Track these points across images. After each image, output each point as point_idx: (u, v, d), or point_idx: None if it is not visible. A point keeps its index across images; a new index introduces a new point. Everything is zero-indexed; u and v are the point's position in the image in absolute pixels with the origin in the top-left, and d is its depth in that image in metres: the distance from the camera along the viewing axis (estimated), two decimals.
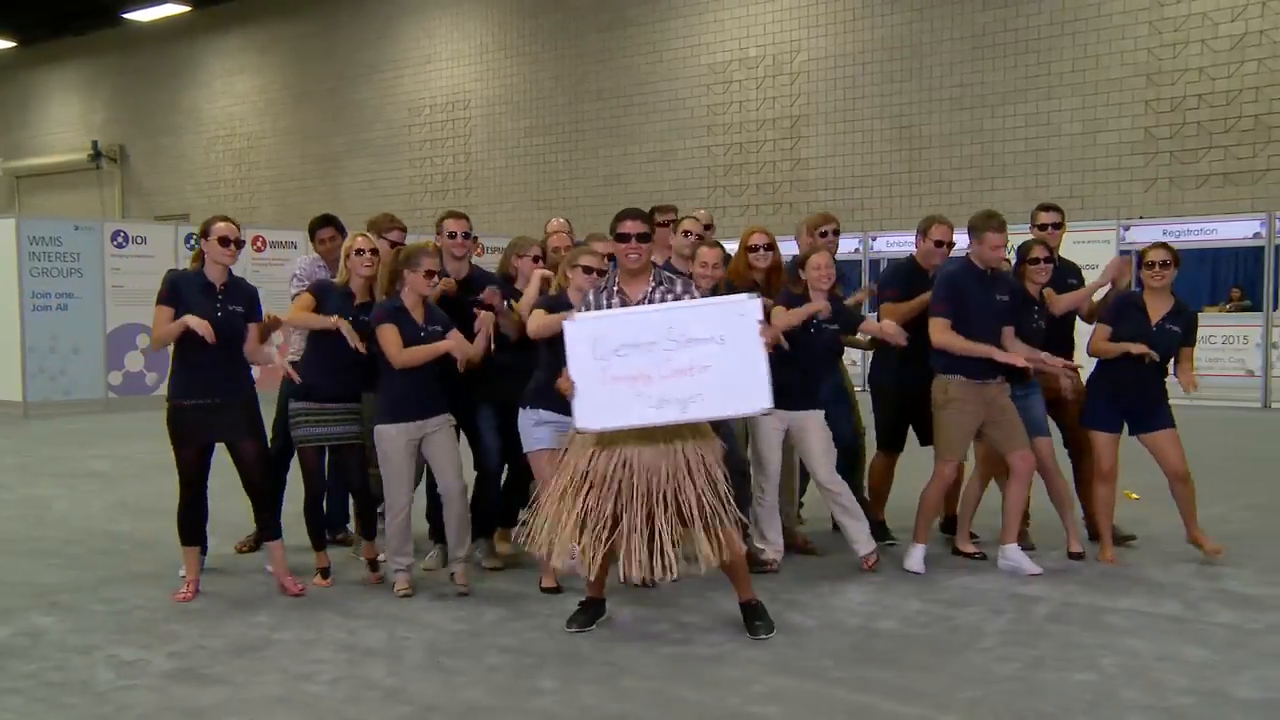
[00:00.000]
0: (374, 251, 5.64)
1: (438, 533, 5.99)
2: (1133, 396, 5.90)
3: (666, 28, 20.72)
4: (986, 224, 5.81)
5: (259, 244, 15.97)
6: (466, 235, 6.00)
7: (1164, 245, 6.00)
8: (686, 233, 6.09)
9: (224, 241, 5.34)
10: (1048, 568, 5.82)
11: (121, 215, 27.52)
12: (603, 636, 4.80)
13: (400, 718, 3.92)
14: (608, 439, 4.62)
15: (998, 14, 17.41)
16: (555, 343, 4.88)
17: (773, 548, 5.85)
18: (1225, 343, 14.47)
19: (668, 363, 4.50)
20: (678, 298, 4.75)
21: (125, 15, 26.42)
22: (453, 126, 23.57)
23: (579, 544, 4.62)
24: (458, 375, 5.57)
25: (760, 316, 4.55)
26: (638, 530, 4.54)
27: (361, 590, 5.55)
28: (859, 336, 6.41)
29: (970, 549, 6.12)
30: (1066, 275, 6.43)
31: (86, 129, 29.61)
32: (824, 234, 6.61)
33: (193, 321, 5.18)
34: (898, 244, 16.74)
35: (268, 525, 5.55)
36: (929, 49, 18.04)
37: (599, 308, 4.78)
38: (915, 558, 5.83)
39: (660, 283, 4.82)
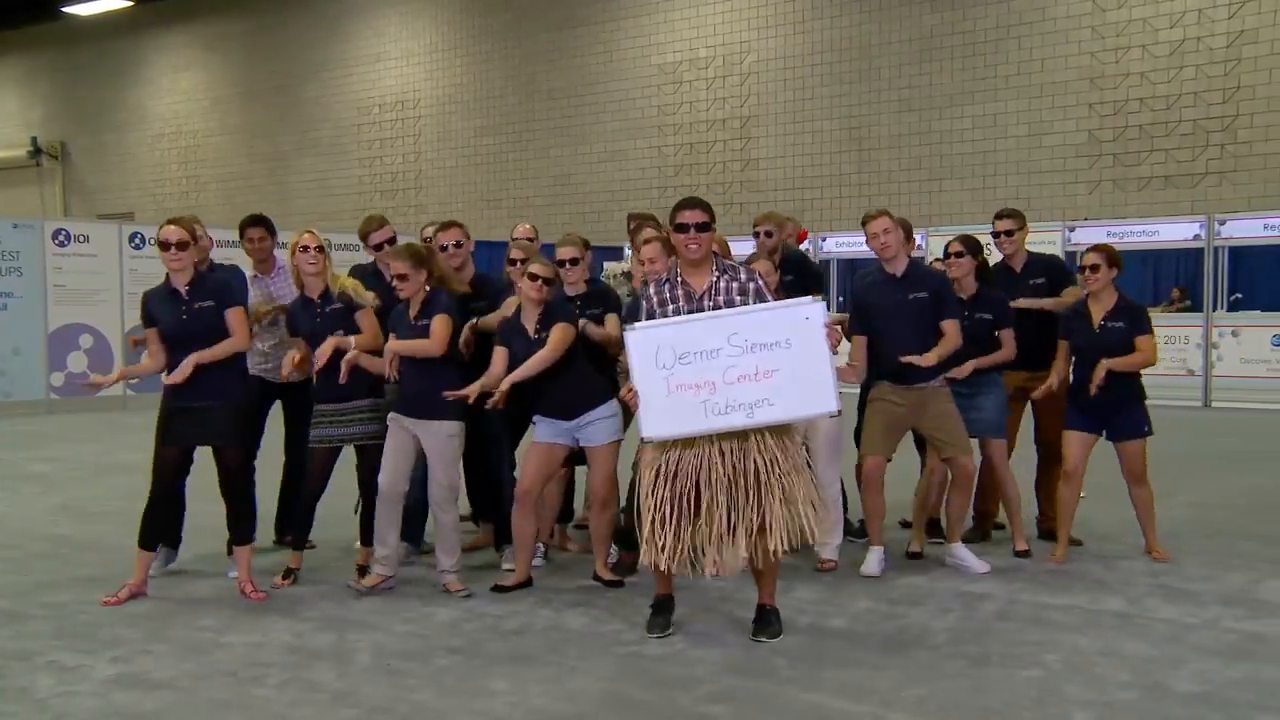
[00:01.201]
0: (319, 249, 5.59)
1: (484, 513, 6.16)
2: (1109, 402, 5.92)
3: (617, 27, 20.73)
4: (865, 217, 5.81)
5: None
6: (459, 245, 5.98)
7: (1098, 248, 6.03)
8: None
9: (164, 245, 5.26)
10: (995, 566, 5.89)
11: (63, 213, 27.05)
12: (554, 638, 4.79)
13: None
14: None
15: (945, 17, 17.61)
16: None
17: (830, 548, 5.89)
18: (1166, 343, 14.68)
19: (733, 369, 4.47)
20: (743, 286, 4.69)
21: (65, 9, 25.94)
22: (402, 126, 23.41)
23: (669, 538, 4.54)
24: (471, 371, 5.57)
25: (825, 319, 4.53)
26: (717, 522, 4.52)
27: (310, 593, 5.50)
28: None
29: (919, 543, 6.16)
30: (1030, 276, 6.44)
31: (25, 125, 29.08)
32: (756, 234, 6.63)
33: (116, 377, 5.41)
34: (847, 244, 16.90)
35: (241, 531, 5.48)
36: (878, 51, 18.20)
37: (662, 301, 4.71)
38: (870, 562, 5.80)
39: (724, 272, 4.74)
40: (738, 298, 4.67)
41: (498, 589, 5.46)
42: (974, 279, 6.13)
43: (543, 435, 5.47)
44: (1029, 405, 6.42)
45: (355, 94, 23.92)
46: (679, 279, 4.74)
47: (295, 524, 5.75)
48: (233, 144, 25.86)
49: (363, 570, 5.60)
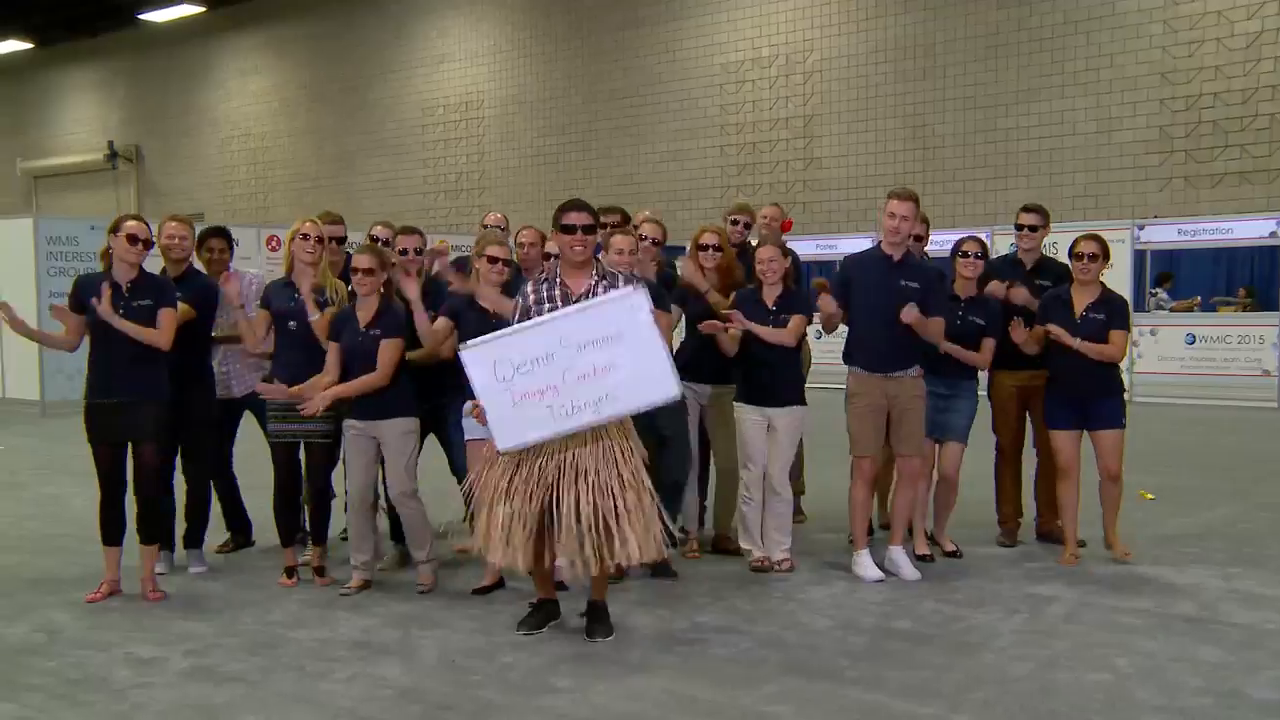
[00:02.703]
0: (319, 240, 5.67)
1: (397, 534, 6.01)
2: (1086, 392, 5.84)
3: (679, 27, 20.72)
4: (893, 193, 5.74)
5: (273, 244, 16.00)
6: (419, 252, 5.98)
7: (1094, 237, 5.96)
8: (643, 237, 6.06)
9: (132, 239, 5.30)
10: (1063, 568, 5.82)
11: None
12: (617, 636, 4.80)
13: (414, 716, 3.94)
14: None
15: (1011, 13, 17.36)
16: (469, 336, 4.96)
17: (759, 548, 5.88)
18: (1240, 342, 14.39)
19: (570, 370, 4.48)
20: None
21: (141, 16, 26.52)
22: (466, 126, 23.60)
23: (508, 541, 4.57)
24: (427, 374, 5.60)
25: (650, 305, 4.50)
26: (561, 526, 4.53)
27: (377, 589, 5.57)
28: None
29: (924, 549, 6.05)
30: (1037, 276, 6.33)
31: (103, 129, 29.74)
32: (734, 222, 6.62)
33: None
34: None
35: (150, 530, 5.46)
36: (942, 48, 17.99)
37: (539, 299, 4.71)
38: (861, 564, 5.72)
39: (603, 277, 4.74)
40: None
41: (477, 591, 5.48)
42: (975, 283, 6.10)
43: (476, 433, 5.29)
44: (1027, 407, 6.34)
45: (420, 95, 24.16)
46: (558, 279, 4.75)
47: (276, 523, 5.75)
48: (300, 145, 26.24)
49: (290, 571, 5.69)
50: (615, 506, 4.52)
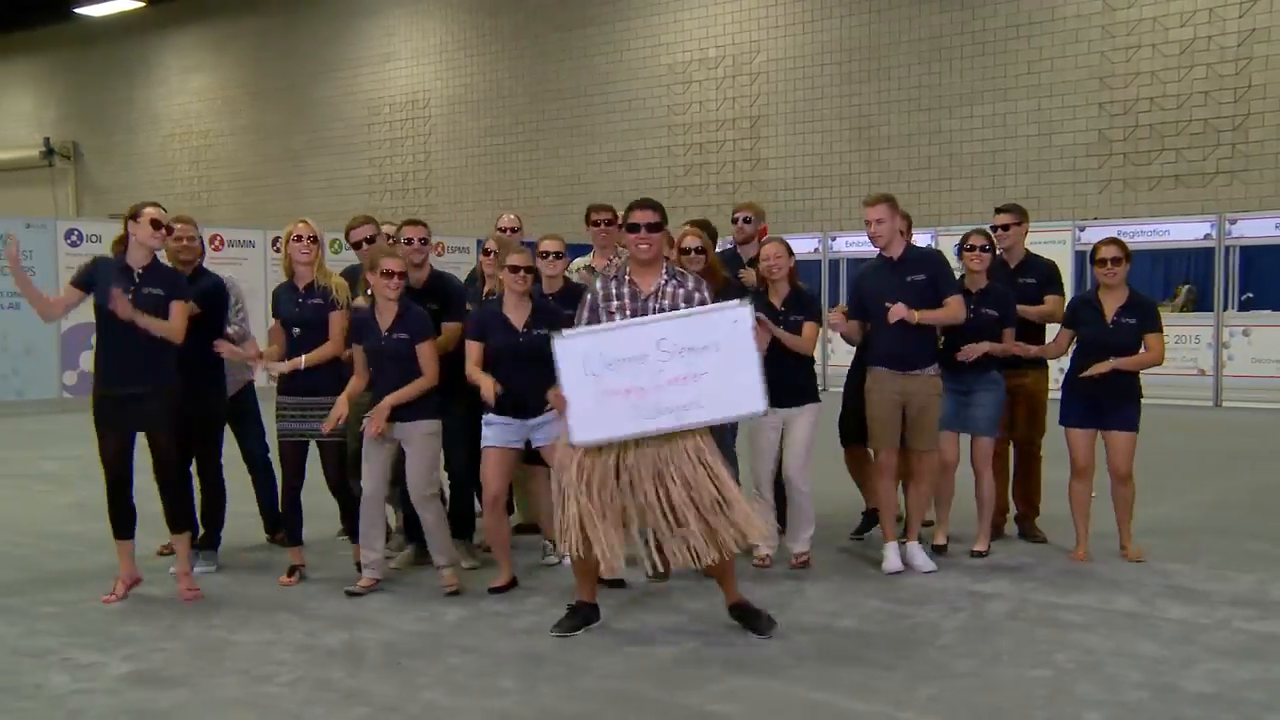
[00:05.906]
0: (313, 239, 5.61)
1: (414, 533, 5.97)
2: (1106, 393, 5.91)
3: (627, 27, 20.73)
4: (864, 201, 5.88)
5: (217, 243, 15.77)
6: (424, 241, 5.97)
7: (1115, 241, 6.04)
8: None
9: (155, 225, 5.26)
10: (1005, 565, 5.89)
11: (75, 213, 27.13)
12: (564, 637, 4.79)
13: (359, 718, 3.91)
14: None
15: (955, 16, 17.57)
16: (500, 355, 5.23)
17: (766, 543, 5.89)
18: (1178, 342, 14.66)
19: (661, 373, 4.51)
20: (689, 294, 4.72)
21: (78, 10, 26.02)
22: (413, 125, 23.44)
23: (591, 539, 4.55)
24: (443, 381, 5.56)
25: (753, 321, 4.57)
26: (645, 524, 4.56)
27: (321, 591, 5.52)
28: None
29: (941, 540, 6.14)
30: (1021, 275, 6.43)
31: (39, 125, 29.17)
32: (734, 220, 6.66)
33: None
34: (857, 244, 16.86)
35: (175, 519, 5.44)
36: (887, 50, 18.17)
37: (607, 296, 4.73)
38: (887, 556, 5.82)
39: (672, 276, 4.78)
40: (682, 304, 4.70)
41: (493, 590, 5.48)
42: (985, 275, 6.14)
43: (495, 439, 5.38)
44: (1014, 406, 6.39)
45: (365, 94, 23.96)
46: (627, 277, 4.77)
47: (282, 521, 5.75)
48: (243, 144, 25.92)
49: (293, 570, 5.71)
50: (703, 499, 4.53)
